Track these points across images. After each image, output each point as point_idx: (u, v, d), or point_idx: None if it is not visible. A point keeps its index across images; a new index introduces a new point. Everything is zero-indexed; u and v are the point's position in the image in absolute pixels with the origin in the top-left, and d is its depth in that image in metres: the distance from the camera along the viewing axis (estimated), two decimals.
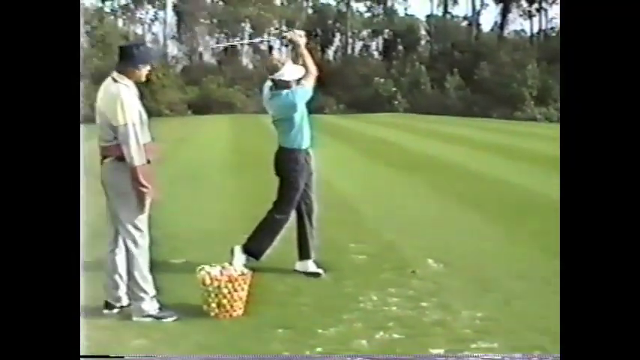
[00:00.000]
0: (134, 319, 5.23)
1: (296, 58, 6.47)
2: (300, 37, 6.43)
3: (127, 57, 5.18)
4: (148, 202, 5.13)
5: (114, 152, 5.08)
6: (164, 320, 5.21)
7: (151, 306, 5.25)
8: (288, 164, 6.41)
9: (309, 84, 6.31)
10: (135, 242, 5.17)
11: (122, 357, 4.84)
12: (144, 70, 5.23)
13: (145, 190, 5.05)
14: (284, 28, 72.13)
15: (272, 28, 72.94)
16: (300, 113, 6.32)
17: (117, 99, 5.00)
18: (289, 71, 6.24)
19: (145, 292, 5.22)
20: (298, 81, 6.27)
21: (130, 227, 5.16)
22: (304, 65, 6.32)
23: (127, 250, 5.20)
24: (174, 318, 5.24)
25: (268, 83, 6.44)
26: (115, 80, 5.10)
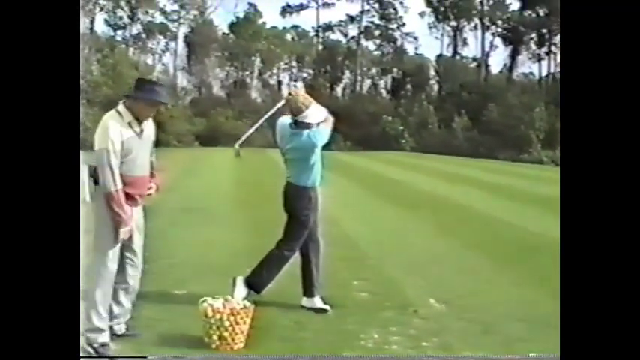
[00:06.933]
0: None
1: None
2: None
3: (140, 90, 5.12)
4: (123, 231, 5.00)
5: (97, 176, 5.01)
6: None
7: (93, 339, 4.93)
8: (299, 202, 6.36)
9: (329, 127, 6.32)
10: (99, 270, 5.02)
11: (121, 357, 4.83)
12: (150, 110, 5.17)
13: (118, 218, 4.96)
14: (293, 63, 72.69)
15: (282, 63, 73.51)
16: (317, 153, 6.31)
17: (101, 124, 4.96)
18: (313, 114, 6.18)
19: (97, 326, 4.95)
20: (318, 123, 6.26)
21: (99, 253, 5.03)
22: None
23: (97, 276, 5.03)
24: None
25: (286, 120, 6.37)
26: (116, 111, 5.06)
